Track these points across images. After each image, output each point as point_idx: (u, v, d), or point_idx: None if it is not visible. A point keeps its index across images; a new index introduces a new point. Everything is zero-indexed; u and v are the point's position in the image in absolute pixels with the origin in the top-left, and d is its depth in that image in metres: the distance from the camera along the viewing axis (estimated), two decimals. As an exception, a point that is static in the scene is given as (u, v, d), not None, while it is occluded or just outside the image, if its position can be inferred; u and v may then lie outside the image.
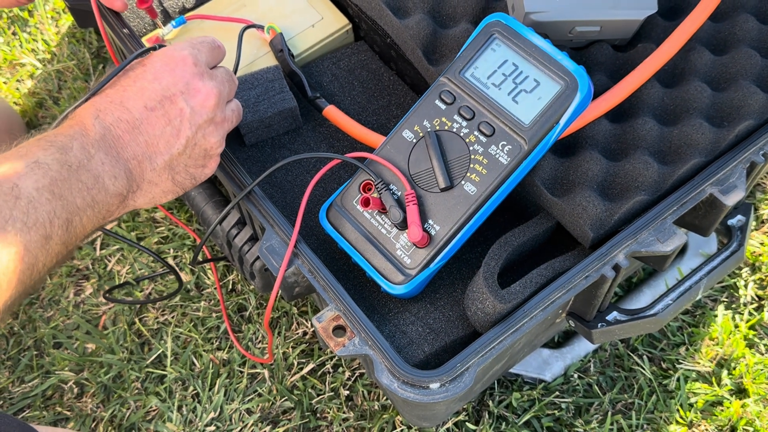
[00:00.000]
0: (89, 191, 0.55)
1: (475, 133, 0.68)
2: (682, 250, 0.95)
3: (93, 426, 0.89)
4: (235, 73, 0.84)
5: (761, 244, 0.97)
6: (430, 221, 0.68)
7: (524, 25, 0.71)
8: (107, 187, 0.57)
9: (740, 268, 0.96)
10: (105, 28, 0.81)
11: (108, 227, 1.02)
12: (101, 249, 1.01)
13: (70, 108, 0.60)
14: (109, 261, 1.00)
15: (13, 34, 1.22)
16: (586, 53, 0.79)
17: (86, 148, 0.56)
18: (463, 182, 0.68)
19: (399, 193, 0.69)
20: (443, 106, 0.70)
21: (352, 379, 0.90)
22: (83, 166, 0.55)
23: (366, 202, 0.69)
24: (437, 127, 0.70)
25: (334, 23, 0.90)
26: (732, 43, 0.79)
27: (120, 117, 0.59)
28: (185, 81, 0.61)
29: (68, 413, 0.90)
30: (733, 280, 0.95)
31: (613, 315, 0.73)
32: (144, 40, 0.88)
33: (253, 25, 0.87)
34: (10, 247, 0.50)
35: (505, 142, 0.67)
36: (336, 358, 0.91)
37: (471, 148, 0.68)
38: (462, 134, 0.69)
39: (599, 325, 0.72)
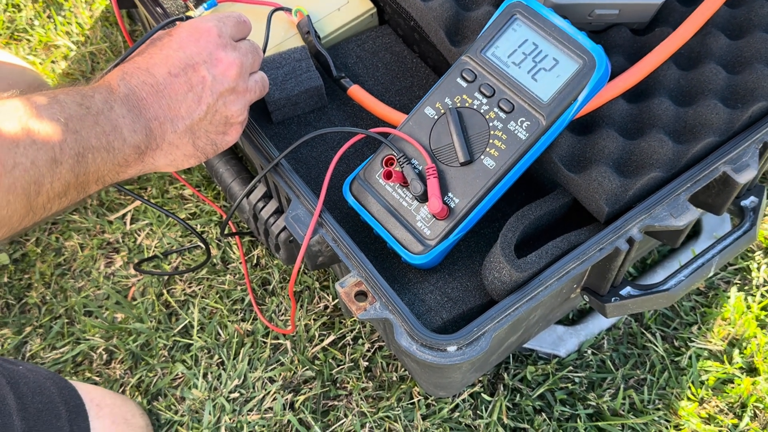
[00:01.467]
0: (106, 135, 0.58)
1: (495, 109, 0.71)
2: (696, 233, 0.97)
3: (120, 391, 0.93)
4: (264, 53, 0.88)
5: (775, 228, 0.98)
6: (450, 194, 0.70)
7: (545, 6, 0.73)
8: (125, 136, 0.59)
9: (753, 251, 0.97)
10: (139, 7, 0.84)
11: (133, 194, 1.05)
12: (131, 223, 1.05)
13: (101, 73, 0.64)
14: (139, 235, 1.04)
15: (48, 17, 1.26)
16: (604, 35, 0.81)
17: (108, 101, 0.59)
18: (482, 157, 0.70)
19: (420, 167, 0.72)
20: (464, 84, 0.73)
21: (372, 351, 0.93)
22: (102, 113, 0.58)
23: (388, 176, 0.72)
24: (458, 104, 0.72)
25: (359, 7, 0.92)
26: (747, 28, 0.81)
27: (145, 81, 0.62)
28: (209, 51, 0.64)
29: (97, 378, 0.94)
30: (746, 263, 0.96)
31: (627, 290, 0.75)
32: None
33: (281, 8, 0.90)
34: (14, 153, 0.51)
35: (523, 119, 0.70)
36: (356, 330, 0.94)
37: (491, 124, 0.71)
38: (482, 111, 0.71)
39: (613, 299, 0.74)
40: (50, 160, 0.54)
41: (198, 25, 0.66)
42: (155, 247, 1.03)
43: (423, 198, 0.70)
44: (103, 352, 0.95)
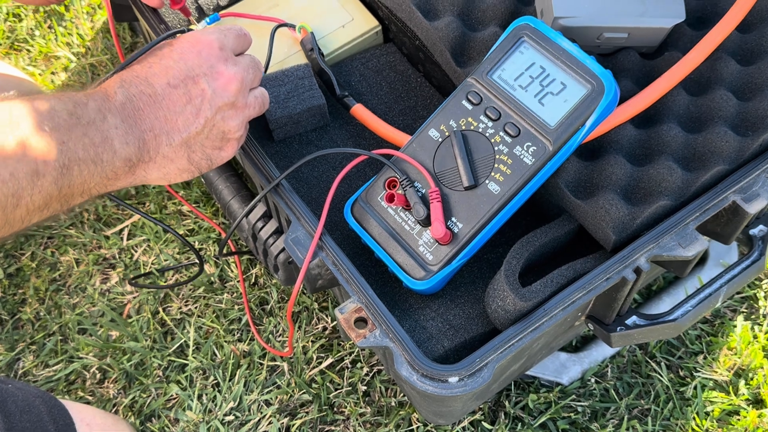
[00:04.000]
0: (95, 147, 0.56)
1: (501, 133, 0.69)
2: (703, 260, 0.95)
3: (113, 411, 0.91)
4: (266, 70, 0.86)
5: (783, 256, 0.97)
6: (453, 219, 0.69)
7: (553, 29, 0.72)
8: (116, 148, 0.57)
9: (760, 280, 0.96)
10: (140, 21, 0.83)
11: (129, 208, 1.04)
12: (128, 239, 1.03)
13: (99, 80, 0.62)
14: (136, 251, 1.02)
15: (49, 27, 1.25)
16: (613, 59, 0.80)
17: (102, 110, 0.57)
18: (487, 181, 0.69)
19: (423, 191, 0.70)
20: (470, 107, 0.71)
21: (370, 375, 0.91)
22: (93, 123, 0.56)
23: (391, 198, 0.71)
24: (463, 127, 0.71)
25: (364, 24, 0.91)
26: (759, 54, 0.79)
27: (143, 90, 0.60)
28: (210, 64, 0.63)
29: (90, 398, 0.92)
30: (753, 291, 0.95)
31: (633, 319, 0.73)
32: (178, 35, 0.90)
33: (285, 24, 0.89)
34: None
35: (530, 143, 0.68)
36: (354, 353, 0.92)
37: (496, 148, 0.69)
38: (487, 134, 0.70)
39: (618, 328, 0.72)
40: (31, 173, 0.52)
41: (200, 37, 0.64)
42: (152, 263, 1.01)
43: (426, 222, 0.69)
44: (97, 371, 0.93)
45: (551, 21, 0.74)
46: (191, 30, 0.67)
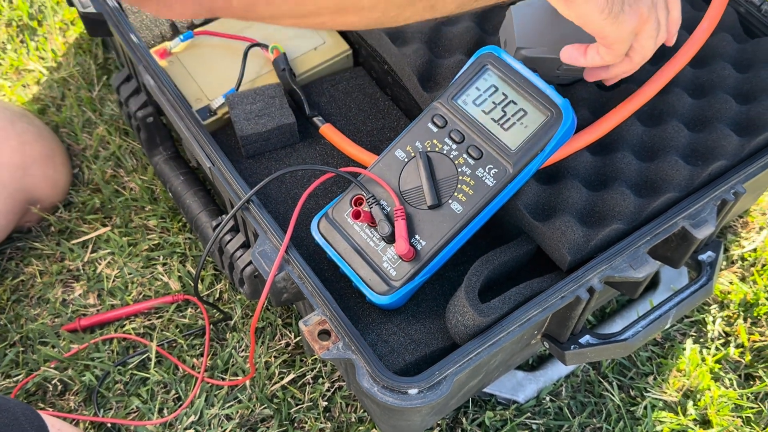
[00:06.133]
0: None
1: (464, 155, 0.72)
2: (654, 285, 0.99)
3: (74, 423, 0.90)
4: (238, 88, 0.88)
5: (730, 282, 1.01)
6: (417, 236, 0.71)
7: (515, 59, 0.75)
8: None
9: (709, 304, 1.00)
10: (114, 36, 0.84)
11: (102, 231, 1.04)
12: (92, 252, 1.03)
13: None
14: (100, 264, 1.02)
15: (22, 41, 1.26)
16: (571, 89, 0.84)
17: None
18: (450, 201, 0.71)
19: (388, 209, 0.72)
20: (435, 129, 0.74)
21: (332, 390, 0.92)
22: None
23: (357, 215, 0.73)
24: (428, 149, 0.74)
25: (335, 48, 0.94)
26: (709, 89, 0.84)
27: None
28: None
29: (50, 410, 0.91)
30: (702, 316, 0.99)
31: (586, 338, 0.76)
32: (152, 51, 0.92)
33: (258, 44, 0.91)
34: None
35: (491, 166, 0.71)
36: (316, 369, 0.94)
37: (459, 170, 0.72)
38: (451, 156, 0.73)
39: (572, 347, 0.75)
40: None
41: None
42: (116, 276, 1.02)
43: (390, 239, 0.71)
44: (58, 383, 0.93)
45: (514, 51, 0.78)
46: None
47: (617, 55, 0.68)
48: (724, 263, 1.04)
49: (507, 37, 0.80)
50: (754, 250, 1.04)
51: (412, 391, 0.64)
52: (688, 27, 0.85)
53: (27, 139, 1.02)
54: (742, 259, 1.04)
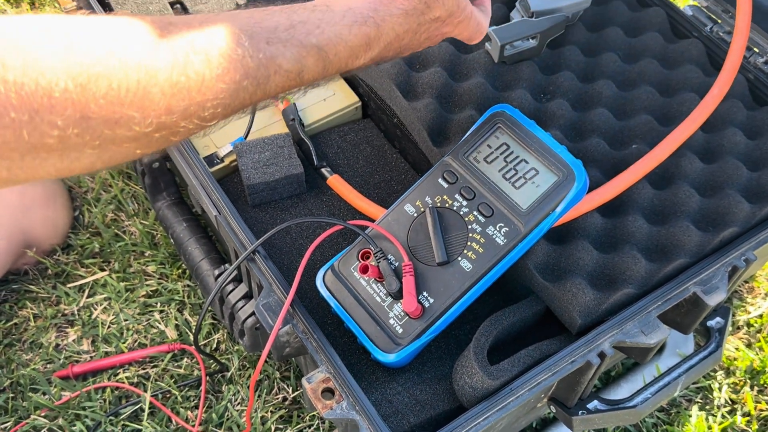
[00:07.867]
0: None
1: (475, 212, 0.71)
2: (660, 349, 0.97)
3: (60, 475, 0.87)
4: (247, 136, 0.88)
5: (736, 348, 0.99)
6: (425, 293, 0.70)
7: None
8: None
9: (715, 371, 0.98)
10: None
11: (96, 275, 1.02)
12: (89, 296, 1.01)
13: None
14: (96, 309, 1.00)
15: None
16: (583, 149, 0.83)
17: None
18: (459, 259, 0.70)
19: (396, 264, 0.71)
20: (445, 185, 0.73)
21: (329, 448, 0.90)
22: None
23: (364, 269, 0.71)
24: (438, 204, 0.73)
25: (344, 99, 0.94)
26: (720, 154, 0.84)
27: None
28: None
29: (36, 460, 0.88)
30: (708, 382, 0.97)
31: (594, 404, 0.74)
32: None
33: (267, 94, 0.91)
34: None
35: (502, 224, 0.70)
36: (314, 425, 0.91)
37: (469, 227, 0.71)
38: (462, 213, 0.72)
39: (580, 412, 0.73)
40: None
41: None
42: (111, 322, 0.99)
43: (398, 295, 0.70)
44: (45, 432, 0.90)
45: (498, 50, 0.84)
46: None
47: None
48: (730, 329, 1.02)
49: (491, 38, 0.87)
50: (761, 316, 1.03)
51: (417, 456, 0.61)
52: (699, 93, 0.85)
53: None
54: (748, 324, 1.03)
